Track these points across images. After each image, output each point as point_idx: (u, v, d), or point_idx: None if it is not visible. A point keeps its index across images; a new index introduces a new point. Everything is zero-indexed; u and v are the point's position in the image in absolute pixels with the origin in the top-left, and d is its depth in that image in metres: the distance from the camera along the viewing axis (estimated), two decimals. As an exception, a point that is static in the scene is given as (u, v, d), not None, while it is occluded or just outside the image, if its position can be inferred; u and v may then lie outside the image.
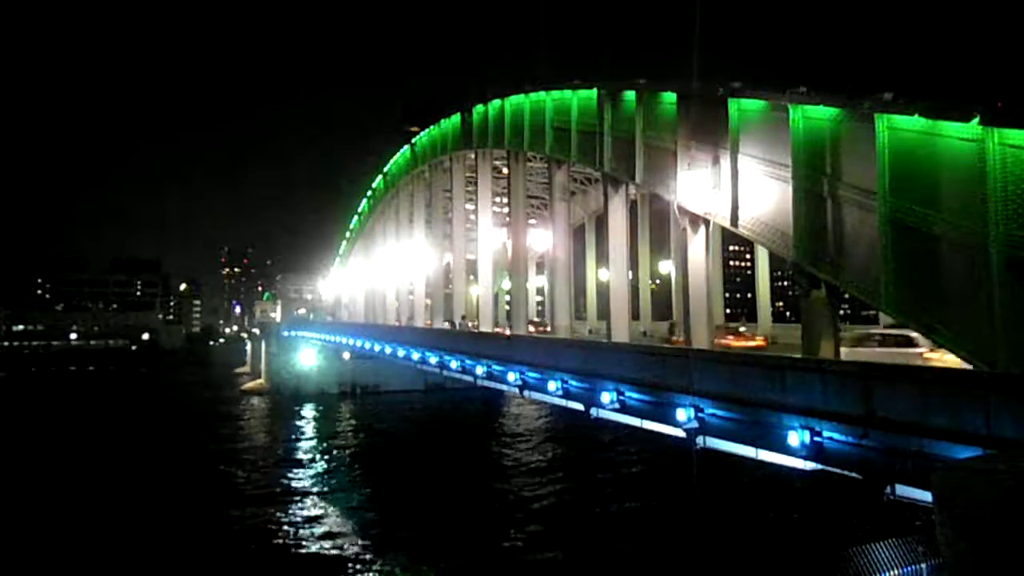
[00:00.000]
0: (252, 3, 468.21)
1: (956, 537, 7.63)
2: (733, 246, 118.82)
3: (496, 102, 38.69)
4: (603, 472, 42.63)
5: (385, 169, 66.06)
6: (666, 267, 42.13)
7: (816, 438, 13.66)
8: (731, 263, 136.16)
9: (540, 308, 65.95)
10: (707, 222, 21.88)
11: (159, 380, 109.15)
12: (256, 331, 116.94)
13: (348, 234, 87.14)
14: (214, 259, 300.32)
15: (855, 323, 36.37)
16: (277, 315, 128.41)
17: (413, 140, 56.60)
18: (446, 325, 46.59)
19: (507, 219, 41.08)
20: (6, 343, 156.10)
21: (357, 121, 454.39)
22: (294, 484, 40.86)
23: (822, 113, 17.08)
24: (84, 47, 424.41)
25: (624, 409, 20.61)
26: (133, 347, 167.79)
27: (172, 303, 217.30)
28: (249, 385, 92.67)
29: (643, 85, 25.01)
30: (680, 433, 17.78)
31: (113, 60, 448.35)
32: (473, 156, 43.08)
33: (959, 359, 13.41)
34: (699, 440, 17.41)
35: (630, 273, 29.03)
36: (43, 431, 59.39)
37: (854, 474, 13.34)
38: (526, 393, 27.82)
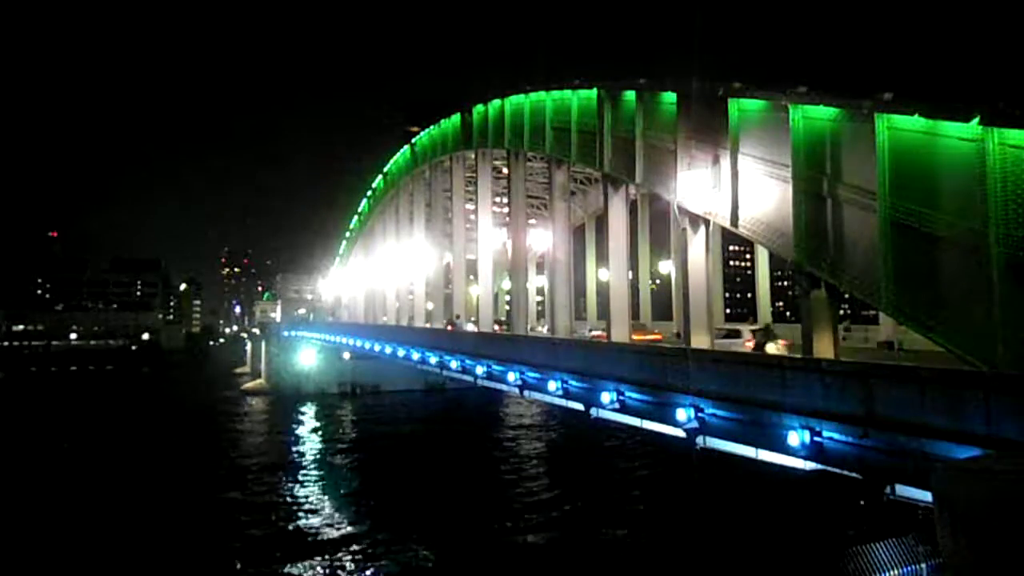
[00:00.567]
0: (253, 3, 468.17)
1: (956, 537, 7.64)
2: (733, 246, 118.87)
3: (496, 102, 38.67)
4: (603, 472, 42.63)
5: (385, 169, 66.04)
6: (666, 267, 42.17)
7: (816, 438, 13.67)
8: (731, 263, 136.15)
9: (540, 308, 65.93)
10: (707, 222, 21.86)
11: (159, 380, 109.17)
12: (256, 331, 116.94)
13: (348, 234, 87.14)
14: (214, 259, 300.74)
15: (855, 323, 36.34)
16: (277, 315, 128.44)
17: (413, 140, 56.58)
18: (449, 327, 46.58)
19: (507, 219, 41.04)
20: (6, 343, 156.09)
21: (357, 121, 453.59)
22: (294, 484, 40.86)
23: (822, 113, 17.07)
24: (85, 47, 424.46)
25: (624, 409, 20.61)
26: (133, 347, 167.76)
27: (172, 303, 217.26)
28: (249, 385, 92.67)
29: (643, 85, 24.99)
30: (680, 433, 17.79)
31: (114, 60, 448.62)
32: (473, 156, 43.05)
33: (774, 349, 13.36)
34: (699, 440, 17.42)
35: (630, 273, 29.01)
36: (43, 431, 59.40)
37: (854, 474, 13.34)
38: (526, 393, 27.82)
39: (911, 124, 14.47)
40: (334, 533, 31.25)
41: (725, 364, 17.43)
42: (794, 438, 13.85)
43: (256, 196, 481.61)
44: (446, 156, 47.70)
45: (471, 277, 49.97)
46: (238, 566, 27.36)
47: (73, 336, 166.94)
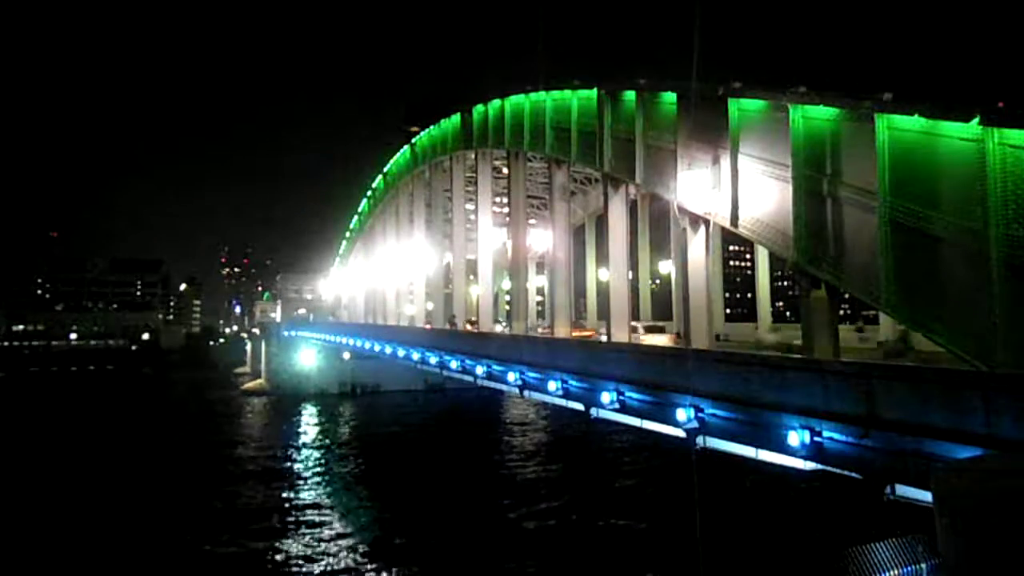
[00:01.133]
0: (253, 3, 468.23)
1: (956, 537, 7.64)
2: (733, 246, 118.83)
3: (496, 102, 38.67)
4: (603, 471, 42.65)
5: (385, 169, 66.04)
6: (666, 267, 42.12)
7: (816, 438, 13.65)
8: (731, 263, 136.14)
9: (540, 308, 65.94)
10: (707, 222, 21.86)
11: (159, 380, 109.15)
12: (256, 331, 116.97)
13: (348, 234, 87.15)
14: (214, 259, 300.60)
15: (855, 323, 36.31)
16: (277, 315, 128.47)
17: (413, 140, 56.57)
18: (448, 327, 46.60)
19: (507, 219, 41.06)
20: (6, 343, 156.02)
21: (357, 121, 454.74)
22: (294, 484, 40.87)
23: (822, 113, 17.07)
24: (85, 47, 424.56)
25: (624, 409, 20.61)
26: (133, 347, 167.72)
27: (172, 303, 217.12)
28: (249, 385, 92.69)
29: (643, 85, 25.00)
30: (680, 433, 17.78)
31: (114, 60, 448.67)
32: (473, 156, 43.05)
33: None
34: (699, 440, 17.40)
35: (630, 273, 29.02)
36: (44, 431, 59.40)
37: (854, 474, 13.33)
38: (526, 393, 27.82)
39: (911, 124, 14.47)
40: (334, 533, 31.25)
41: (725, 364, 17.42)
42: (794, 438, 13.83)
43: (256, 196, 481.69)
44: (446, 156, 47.69)
45: (471, 277, 49.98)
46: (238, 566, 27.36)
47: (73, 336, 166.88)
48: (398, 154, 61.47)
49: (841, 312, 29.87)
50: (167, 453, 48.63)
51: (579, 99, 29.66)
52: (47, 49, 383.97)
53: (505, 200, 42.33)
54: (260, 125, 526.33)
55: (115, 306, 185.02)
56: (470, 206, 47.19)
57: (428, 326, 52.34)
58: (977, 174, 12.94)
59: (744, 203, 19.84)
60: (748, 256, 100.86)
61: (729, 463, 18.47)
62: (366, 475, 43.70)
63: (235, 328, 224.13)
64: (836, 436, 13.34)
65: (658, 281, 51.53)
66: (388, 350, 49.67)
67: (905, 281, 14.74)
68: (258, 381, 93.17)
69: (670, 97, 23.26)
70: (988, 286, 12.67)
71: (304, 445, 54.63)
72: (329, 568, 27.07)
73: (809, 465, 14.22)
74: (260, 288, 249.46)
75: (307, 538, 30.51)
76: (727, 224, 20.52)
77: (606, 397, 20.70)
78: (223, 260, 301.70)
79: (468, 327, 42.10)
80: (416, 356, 41.65)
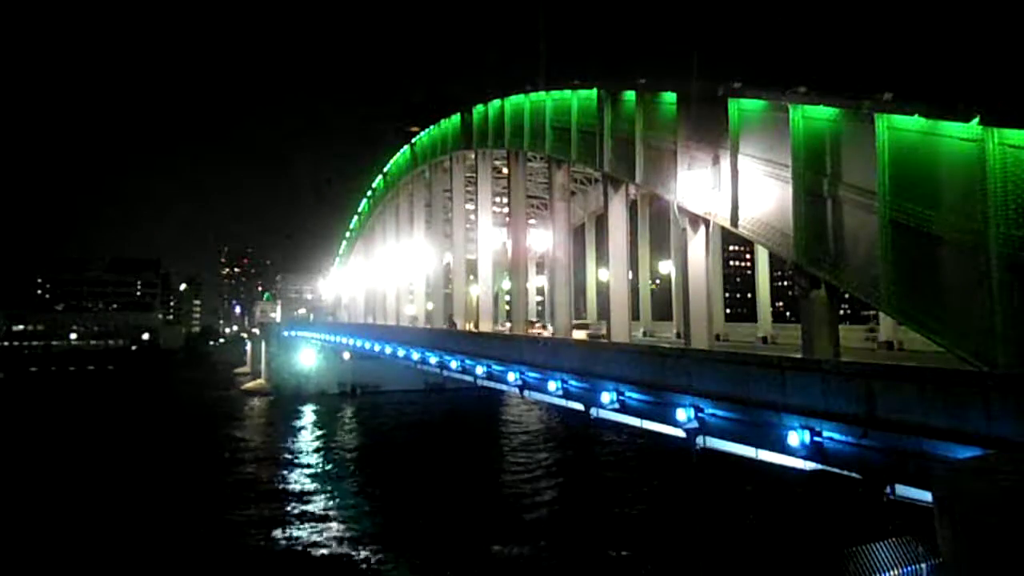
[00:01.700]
0: (253, 4, 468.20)
1: (956, 537, 7.64)
2: (733, 246, 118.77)
3: (496, 102, 38.69)
4: (603, 471, 42.66)
5: (385, 169, 66.06)
6: (666, 267, 42.16)
7: (816, 438, 13.64)
8: (731, 263, 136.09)
9: (540, 308, 65.96)
10: (707, 222, 21.88)
11: (159, 380, 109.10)
12: (256, 331, 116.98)
13: (348, 234, 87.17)
14: (214, 259, 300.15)
15: (855, 323, 36.37)
16: (277, 315, 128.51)
17: (413, 140, 56.61)
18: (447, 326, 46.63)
19: (507, 219, 41.09)
20: (6, 343, 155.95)
21: (357, 121, 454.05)
22: (294, 484, 40.87)
23: (822, 113, 17.08)
24: (85, 47, 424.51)
25: (624, 409, 20.60)
26: (133, 347, 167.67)
27: (172, 303, 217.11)
28: (249, 385, 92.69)
29: (643, 85, 25.01)
30: (680, 433, 17.77)
31: (114, 60, 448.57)
32: (473, 156, 43.08)
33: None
34: (699, 440, 17.40)
35: (630, 273, 29.04)
36: (44, 432, 59.39)
37: (854, 474, 13.33)
38: (526, 393, 27.82)
39: (911, 124, 14.48)
40: (334, 533, 31.25)
41: (725, 364, 17.42)
42: (794, 438, 13.83)
43: (256, 196, 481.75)
44: (446, 156, 47.72)
45: (471, 277, 50.01)
46: (237, 566, 27.36)
47: (73, 336, 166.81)
48: (398, 154, 61.49)
49: (841, 312, 29.95)
50: (167, 453, 48.61)
51: (579, 99, 29.68)
52: (47, 49, 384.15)
53: (505, 200, 42.37)
54: (260, 125, 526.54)
55: (115, 306, 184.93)
56: (470, 206, 47.21)
57: (428, 326, 52.36)
58: (977, 174, 12.95)
59: (744, 203, 19.85)
60: (748, 256, 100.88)
61: (729, 463, 18.46)
62: (366, 475, 43.71)
63: (235, 328, 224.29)
64: (836, 436, 13.33)
65: (658, 281, 51.57)
66: (388, 350, 49.67)
67: (905, 281, 14.75)
68: (258, 381, 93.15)
69: (670, 97, 23.27)
70: (988, 286, 12.68)
71: (304, 445, 54.63)
72: (329, 567, 27.07)
73: (809, 465, 14.22)
74: (260, 288, 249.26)
75: (307, 538, 30.48)
76: (727, 224, 20.54)
77: (606, 397, 20.69)
78: (223, 260, 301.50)
79: (469, 327, 42.16)
80: (416, 356, 41.65)
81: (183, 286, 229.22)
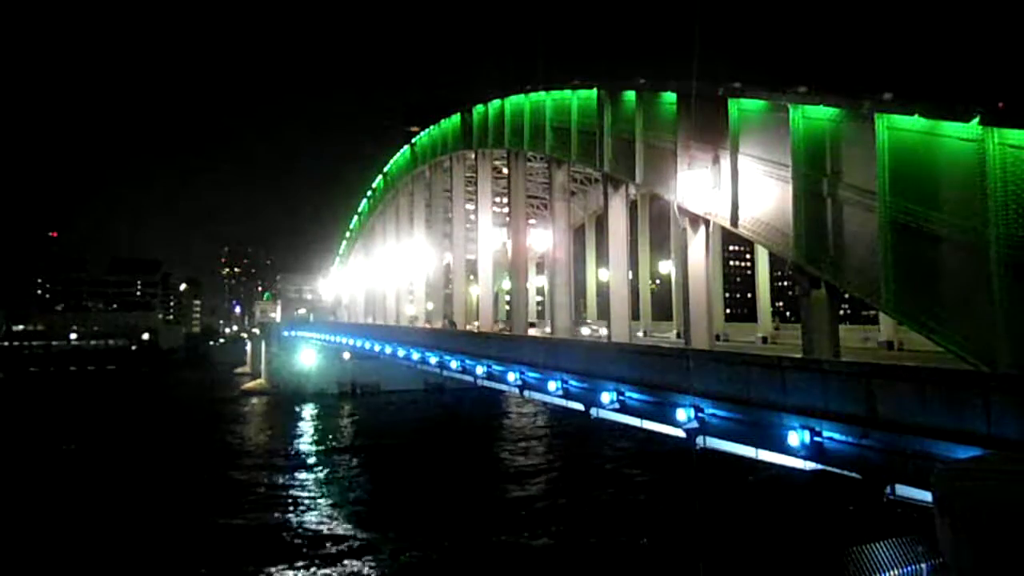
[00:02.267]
0: (253, 4, 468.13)
1: (956, 537, 7.63)
2: (733, 246, 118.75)
3: (496, 102, 38.66)
4: (603, 472, 42.65)
5: (385, 169, 66.03)
6: (666, 267, 42.15)
7: (816, 438, 13.64)
8: (731, 263, 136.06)
9: (540, 308, 65.93)
10: (707, 222, 21.86)
11: (159, 380, 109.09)
12: (256, 331, 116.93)
13: (348, 234, 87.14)
14: (214, 259, 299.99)
15: (855, 323, 36.36)
16: (277, 315, 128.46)
17: (413, 140, 56.57)
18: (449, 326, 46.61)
19: (507, 219, 41.06)
20: (6, 343, 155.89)
21: (357, 121, 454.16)
22: (294, 484, 40.87)
23: (822, 113, 17.07)
24: (85, 46, 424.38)
25: (624, 409, 20.59)
26: (133, 347, 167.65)
27: (172, 303, 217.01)
28: (249, 385, 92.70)
29: (643, 85, 25.00)
30: (680, 433, 17.76)
31: (114, 59, 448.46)
32: (473, 156, 43.04)
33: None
34: (699, 440, 17.39)
35: (630, 273, 29.02)
36: (44, 432, 59.38)
37: (854, 474, 13.33)
38: (526, 393, 27.82)
39: (911, 124, 14.47)
40: (333, 533, 31.25)
41: (726, 364, 17.42)
42: (794, 438, 13.83)
43: (256, 196, 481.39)
44: (446, 156, 47.69)
45: (471, 277, 50.00)
46: (237, 566, 27.35)
47: (73, 336, 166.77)
48: (398, 154, 61.46)
49: (841, 312, 29.95)
50: (167, 453, 48.61)
51: (579, 99, 29.65)
52: (47, 48, 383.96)
53: (505, 200, 42.33)
54: (260, 125, 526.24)
55: (115, 306, 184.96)
56: (470, 206, 47.18)
57: (428, 326, 52.34)
58: (977, 174, 12.94)
59: (744, 203, 19.84)
60: (748, 256, 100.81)
61: (729, 463, 18.46)
62: (366, 475, 43.70)
63: (235, 328, 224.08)
64: (836, 436, 13.33)
65: (658, 281, 51.58)
66: (388, 350, 49.66)
67: (905, 281, 14.74)
68: (258, 381, 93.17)
69: (670, 97, 23.25)
70: (988, 286, 12.67)
71: (304, 445, 54.63)
72: (329, 567, 27.06)
73: (809, 465, 14.21)
74: (260, 288, 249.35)
75: (306, 537, 30.50)
76: (727, 224, 20.52)
77: (606, 397, 20.69)
78: (223, 260, 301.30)
79: (469, 327, 42.20)
80: (416, 356, 41.65)
81: (183, 286, 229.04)
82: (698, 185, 21.12)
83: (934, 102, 14.11)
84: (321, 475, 43.77)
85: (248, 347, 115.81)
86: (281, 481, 41.54)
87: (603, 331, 36.58)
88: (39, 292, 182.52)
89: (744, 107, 19.90)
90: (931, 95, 14.50)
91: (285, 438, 56.86)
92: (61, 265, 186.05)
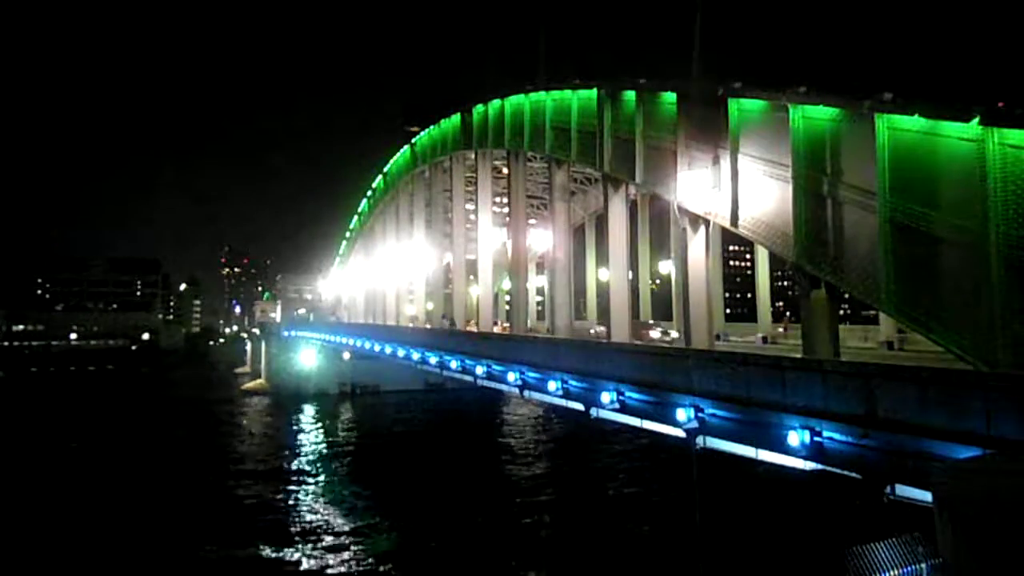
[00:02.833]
0: (253, 4, 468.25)
1: (956, 537, 7.62)
2: (733, 246, 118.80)
3: (496, 102, 38.67)
4: (603, 472, 42.63)
5: (385, 169, 66.05)
6: (666, 267, 42.14)
7: (816, 438, 13.64)
8: (731, 263, 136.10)
9: (540, 308, 65.95)
10: (707, 222, 21.88)
11: (159, 380, 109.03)
12: (256, 331, 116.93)
13: (348, 234, 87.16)
14: (214, 259, 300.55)
15: (855, 323, 36.38)
16: (277, 315, 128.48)
17: (413, 140, 56.58)
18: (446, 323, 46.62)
19: (507, 219, 41.08)
20: (6, 343, 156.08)
21: (357, 121, 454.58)
22: (294, 485, 40.85)
23: (822, 113, 17.08)
24: (85, 46, 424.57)
25: (624, 409, 20.58)
26: (133, 347, 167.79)
27: (172, 303, 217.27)
28: (249, 385, 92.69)
29: (643, 85, 25.00)
30: (680, 433, 17.75)
31: (114, 59, 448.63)
32: (473, 156, 43.05)
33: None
34: (699, 440, 17.39)
35: (630, 273, 29.03)
36: (44, 432, 59.35)
37: (854, 474, 13.32)
38: (526, 393, 27.81)
39: (911, 124, 14.48)
40: (333, 533, 31.23)
41: (726, 364, 17.42)
42: (794, 438, 13.82)
43: (256, 196, 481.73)
44: (446, 156, 47.70)
45: (471, 277, 50.01)
46: (237, 565, 27.35)
47: (73, 336, 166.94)
48: (398, 154, 61.48)
49: (841, 312, 30.01)
50: (167, 453, 48.60)
51: (579, 99, 29.66)
52: (48, 48, 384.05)
53: (505, 200, 42.35)
54: (260, 125, 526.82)
55: (115, 306, 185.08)
56: (470, 206, 47.20)
57: (428, 326, 52.36)
58: (977, 174, 12.95)
59: (744, 203, 19.85)
60: (748, 256, 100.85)
61: (729, 463, 18.45)
62: (366, 475, 43.67)
63: (235, 328, 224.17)
64: (836, 436, 13.33)
65: (658, 281, 51.60)
66: (388, 350, 49.66)
67: (905, 281, 14.75)
68: (258, 381, 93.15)
69: (670, 97, 23.26)
70: (988, 286, 12.68)
71: (304, 445, 54.60)
72: (329, 567, 27.06)
73: (809, 465, 14.21)
74: (260, 288, 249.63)
75: (306, 537, 30.48)
76: (727, 224, 20.54)
77: (606, 397, 20.68)
78: (223, 260, 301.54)
79: (469, 327, 42.29)
80: (416, 356, 41.64)
81: (183, 286, 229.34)
82: (698, 185, 21.13)
83: (934, 102, 14.13)
84: (321, 475, 43.76)
85: (248, 347, 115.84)
86: (281, 481, 41.51)
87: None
88: (39, 292, 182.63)
89: (744, 107, 19.91)
90: (931, 95, 14.54)
91: (285, 438, 56.82)
92: (61, 265, 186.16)
